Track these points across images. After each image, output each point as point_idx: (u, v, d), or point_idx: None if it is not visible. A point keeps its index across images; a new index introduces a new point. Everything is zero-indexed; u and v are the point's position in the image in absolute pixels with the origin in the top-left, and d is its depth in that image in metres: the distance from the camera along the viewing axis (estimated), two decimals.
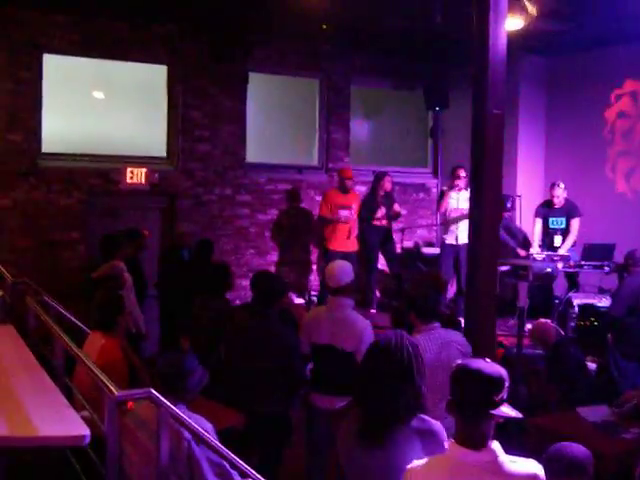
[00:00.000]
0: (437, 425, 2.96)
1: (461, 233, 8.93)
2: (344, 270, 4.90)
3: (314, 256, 10.50)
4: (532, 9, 6.30)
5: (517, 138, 10.16)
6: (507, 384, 2.61)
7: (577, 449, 3.28)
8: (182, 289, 7.43)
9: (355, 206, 9.55)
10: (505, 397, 2.60)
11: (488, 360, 2.70)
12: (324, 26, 9.02)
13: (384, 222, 9.61)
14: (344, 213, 9.42)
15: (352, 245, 9.50)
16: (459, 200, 9.08)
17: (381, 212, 9.49)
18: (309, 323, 4.94)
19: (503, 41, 5.13)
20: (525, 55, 9.62)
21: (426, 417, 2.96)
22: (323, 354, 4.74)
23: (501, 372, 2.63)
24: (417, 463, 2.67)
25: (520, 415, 2.63)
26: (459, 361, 2.74)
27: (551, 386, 5.88)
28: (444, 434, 2.92)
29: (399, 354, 2.92)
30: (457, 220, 9.07)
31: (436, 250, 10.25)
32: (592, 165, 9.94)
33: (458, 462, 2.56)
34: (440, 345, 4.10)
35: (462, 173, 9.02)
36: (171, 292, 8.04)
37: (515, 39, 5.85)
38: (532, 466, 2.60)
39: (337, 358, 4.68)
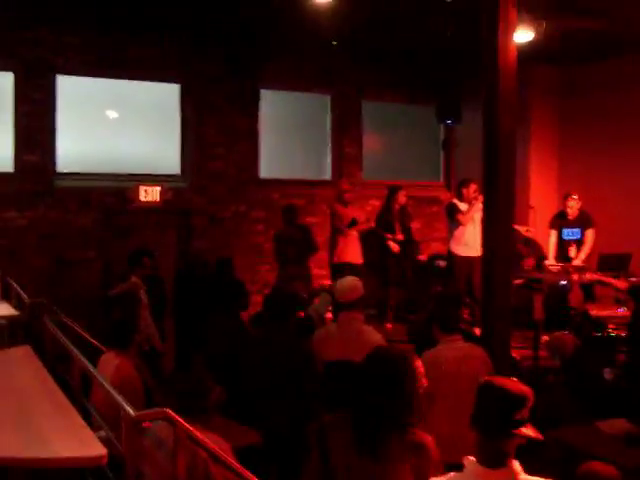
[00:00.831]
0: (428, 440, 2.94)
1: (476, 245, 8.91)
2: (353, 285, 4.91)
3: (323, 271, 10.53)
4: (543, 23, 6.30)
5: (529, 149, 10.14)
6: (530, 404, 2.60)
7: (607, 471, 3.26)
8: (197, 307, 7.45)
9: (359, 217, 9.60)
10: (527, 417, 2.58)
11: (515, 379, 2.69)
12: (334, 42, 9.07)
13: (399, 236, 9.63)
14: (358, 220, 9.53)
15: (359, 257, 9.54)
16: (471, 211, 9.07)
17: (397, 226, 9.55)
18: (319, 341, 4.93)
19: (513, 53, 5.16)
20: (536, 65, 9.60)
21: (418, 432, 2.95)
22: (335, 371, 4.73)
23: (525, 391, 2.61)
24: None
25: (540, 437, 2.61)
26: (485, 377, 2.73)
27: (567, 398, 5.83)
28: (435, 450, 2.90)
29: (389, 368, 2.92)
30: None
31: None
32: (606, 174, 9.90)
33: None
34: (462, 357, 4.13)
35: (473, 187, 9.03)
36: (186, 310, 8.06)
37: (525, 49, 5.85)
38: None
39: (350, 373, 4.67)
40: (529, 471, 2.61)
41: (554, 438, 5.24)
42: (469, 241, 9.07)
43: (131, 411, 3.12)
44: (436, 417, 4.19)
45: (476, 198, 8.96)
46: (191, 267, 8.86)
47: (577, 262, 8.80)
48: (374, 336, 4.81)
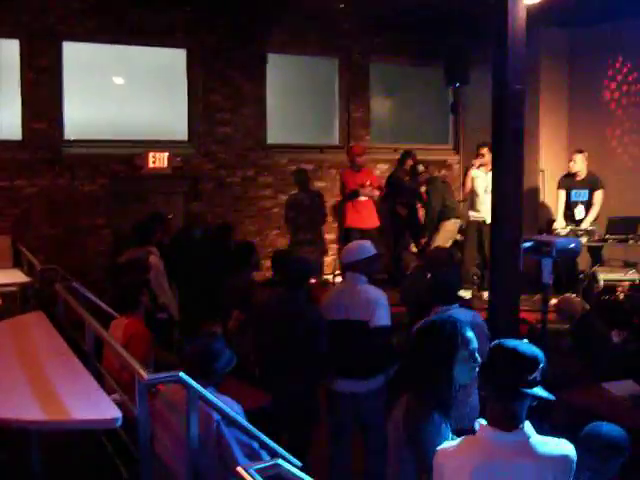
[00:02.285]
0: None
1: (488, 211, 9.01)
2: (358, 248, 4.98)
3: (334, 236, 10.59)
4: None
5: (539, 112, 10.05)
6: (542, 365, 2.61)
7: (614, 429, 3.30)
8: (197, 272, 7.45)
9: (370, 182, 9.63)
10: (539, 378, 2.60)
11: (525, 340, 2.71)
12: (342, 5, 8.97)
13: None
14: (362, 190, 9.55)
15: (371, 222, 9.59)
16: (485, 179, 9.05)
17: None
18: (327, 302, 4.99)
19: (522, 15, 5.10)
20: (545, 28, 9.49)
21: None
22: (340, 330, 4.78)
23: (536, 353, 2.62)
24: (447, 444, 2.68)
25: (552, 397, 2.63)
26: (498, 340, 2.75)
27: (576, 361, 5.87)
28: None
29: (436, 339, 2.94)
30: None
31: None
32: (615, 137, 9.84)
33: (489, 443, 2.56)
34: None
35: (484, 151, 9.04)
36: (183, 275, 8.02)
37: (534, 12, 5.78)
38: (564, 447, 2.58)
39: (352, 331, 4.73)
40: (539, 433, 2.64)
41: (562, 400, 5.29)
42: (480, 206, 9.15)
43: (144, 374, 3.17)
44: None
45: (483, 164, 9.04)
46: (188, 230, 8.78)
47: (585, 225, 8.79)
48: (374, 292, 4.85)
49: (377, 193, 9.70)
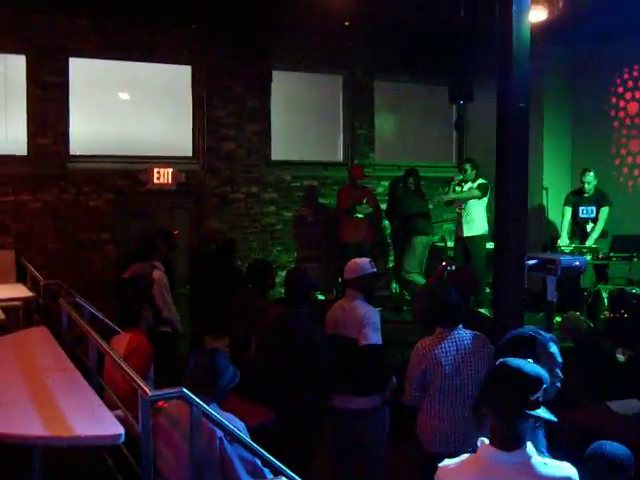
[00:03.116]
0: None
1: (464, 225, 9.22)
2: (356, 265, 5.00)
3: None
4: (560, 2, 6.26)
5: (542, 130, 10.08)
6: (545, 386, 2.60)
7: (617, 448, 3.28)
8: (201, 286, 7.48)
9: (367, 200, 9.73)
10: (541, 399, 2.59)
11: (530, 360, 2.70)
12: (347, 23, 9.02)
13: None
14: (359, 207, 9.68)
15: (367, 238, 9.73)
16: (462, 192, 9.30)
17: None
18: (327, 317, 5.06)
19: (527, 34, 5.10)
20: (548, 45, 9.51)
21: None
22: (332, 346, 4.80)
23: (540, 373, 2.61)
24: (448, 462, 2.67)
25: (554, 418, 2.62)
26: (502, 360, 2.74)
27: (580, 379, 5.84)
28: None
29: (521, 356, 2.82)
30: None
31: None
32: (619, 156, 9.85)
33: (490, 463, 2.55)
34: (462, 351, 4.22)
35: (467, 167, 9.29)
36: (200, 290, 8.08)
37: (538, 30, 5.81)
38: (565, 470, 2.57)
39: (341, 347, 4.77)
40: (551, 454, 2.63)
41: (567, 419, 5.26)
42: (461, 221, 9.34)
43: (148, 390, 3.16)
44: (431, 406, 4.26)
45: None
46: (205, 245, 8.83)
47: (590, 242, 8.80)
48: (365, 308, 4.87)
49: (370, 210, 9.77)
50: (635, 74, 9.56)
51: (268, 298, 6.39)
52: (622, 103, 9.80)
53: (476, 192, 9.12)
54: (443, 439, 4.25)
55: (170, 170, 9.26)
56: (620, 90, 9.80)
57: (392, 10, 8.39)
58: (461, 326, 4.43)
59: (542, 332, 3.14)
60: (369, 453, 4.87)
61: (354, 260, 5.11)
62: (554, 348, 2.97)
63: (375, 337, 4.75)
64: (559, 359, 2.96)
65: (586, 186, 8.97)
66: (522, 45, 5.09)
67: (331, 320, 4.96)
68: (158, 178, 9.20)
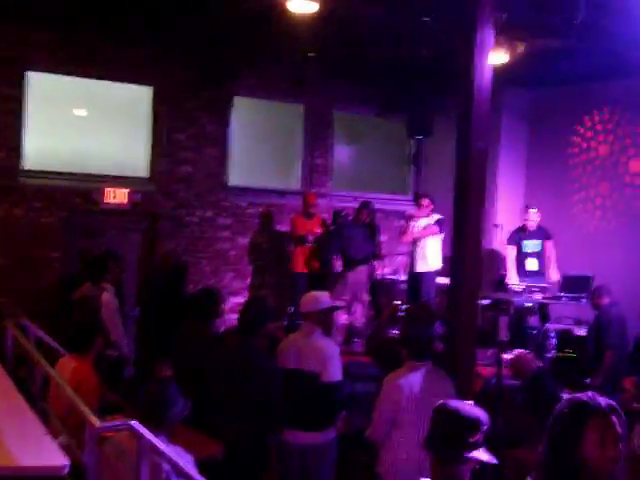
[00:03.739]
0: None
1: (419, 260, 9.21)
2: (314, 298, 4.95)
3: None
4: (520, 46, 6.40)
5: (497, 169, 10.26)
6: (485, 428, 2.61)
7: None
8: (160, 313, 7.40)
9: (319, 230, 9.73)
10: (481, 441, 2.59)
11: (469, 402, 2.70)
12: (311, 54, 9.08)
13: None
14: (309, 237, 9.65)
15: (316, 267, 9.67)
16: (419, 227, 9.27)
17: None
18: (282, 349, 4.97)
19: (488, 77, 5.21)
20: (507, 87, 9.71)
21: None
22: (291, 379, 4.75)
23: (479, 415, 2.62)
24: None
25: (494, 460, 2.62)
26: (441, 401, 2.75)
27: (527, 417, 5.90)
28: None
29: None
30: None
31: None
32: (568, 197, 10.06)
33: None
34: (430, 385, 4.16)
35: (425, 202, 9.25)
36: (150, 314, 7.99)
37: (498, 71, 5.93)
38: None
39: (303, 382, 4.71)
40: None
41: (514, 458, 5.30)
42: (416, 256, 9.32)
43: (95, 421, 3.08)
44: (398, 444, 4.21)
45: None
46: (156, 269, 8.77)
47: (554, 277, 9.03)
48: (329, 346, 4.87)
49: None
50: (596, 118, 9.80)
51: (214, 327, 6.33)
52: (578, 145, 10.01)
53: (436, 229, 9.12)
54: (407, 477, 4.15)
55: (125, 190, 9.14)
56: (577, 134, 10.01)
57: (355, 44, 8.46)
58: (430, 362, 4.36)
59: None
60: None
61: (312, 293, 5.07)
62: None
63: (338, 374, 4.74)
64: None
65: (528, 223, 9.15)
66: (483, 87, 5.20)
67: (287, 353, 4.87)
68: (113, 198, 9.07)
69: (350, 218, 9.83)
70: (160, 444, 3.16)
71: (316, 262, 9.63)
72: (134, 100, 9.68)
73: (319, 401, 4.64)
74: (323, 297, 5.00)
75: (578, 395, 2.58)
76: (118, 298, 7.11)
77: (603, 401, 2.49)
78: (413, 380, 4.21)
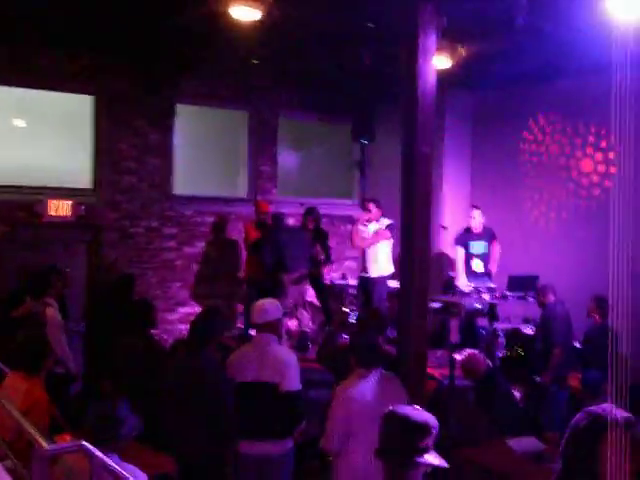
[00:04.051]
0: None
1: (370, 265, 9.20)
2: (267, 307, 4.90)
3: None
4: (461, 50, 6.47)
5: (442, 171, 10.36)
6: (434, 431, 2.61)
7: None
8: (104, 326, 7.27)
9: (255, 235, 9.66)
10: (431, 444, 2.59)
11: (417, 407, 2.70)
12: (254, 61, 9.04)
13: (321, 257, 9.69)
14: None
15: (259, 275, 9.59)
16: (368, 232, 9.27)
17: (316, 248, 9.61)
18: (234, 363, 4.87)
19: (432, 81, 5.25)
20: (450, 90, 9.81)
21: None
22: (250, 393, 4.69)
23: (428, 420, 2.63)
24: None
25: (445, 464, 2.62)
26: (390, 407, 2.74)
27: (480, 417, 5.95)
28: None
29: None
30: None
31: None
32: (514, 197, 10.21)
33: None
34: (380, 392, 4.14)
35: (371, 207, 9.26)
36: (95, 330, 7.84)
37: (441, 75, 5.98)
38: None
39: (262, 393, 4.65)
40: None
41: (469, 459, 5.34)
42: (366, 262, 9.32)
43: (44, 444, 2.98)
44: (353, 451, 4.18)
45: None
46: (102, 284, 8.62)
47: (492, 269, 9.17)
48: (287, 355, 4.86)
49: None
50: (541, 119, 9.94)
51: (150, 339, 6.23)
52: (526, 146, 10.16)
53: (388, 234, 9.12)
54: None
55: (69, 202, 8.93)
56: (525, 133, 10.15)
57: (298, 50, 8.45)
58: (380, 368, 4.36)
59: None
60: None
61: (263, 302, 4.99)
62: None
63: (297, 382, 4.72)
64: None
65: (472, 222, 9.26)
66: (427, 91, 5.23)
67: (242, 365, 4.79)
68: (56, 210, 8.86)
69: (286, 222, 9.76)
70: (112, 464, 3.07)
71: (260, 269, 9.58)
72: (75, 110, 9.49)
73: (278, 411, 4.59)
74: (274, 306, 4.95)
75: (594, 408, 2.57)
76: (62, 313, 6.95)
77: (620, 414, 2.44)
78: (364, 388, 4.21)
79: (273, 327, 4.84)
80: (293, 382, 4.69)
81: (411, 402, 2.83)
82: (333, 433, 4.25)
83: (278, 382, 4.64)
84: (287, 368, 4.71)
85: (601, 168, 9.20)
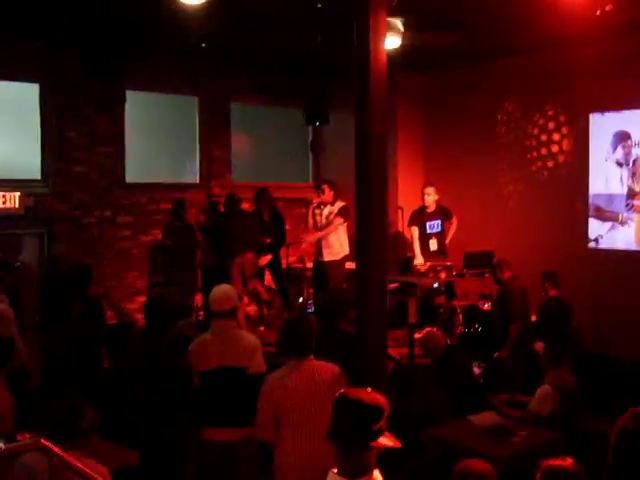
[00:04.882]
0: None
1: (324, 249, 9.23)
2: (227, 295, 4.84)
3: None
4: (400, 26, 6.44)
5: (396, 152, 10.39)
6: (386, 413, 2.63)
7: (480, 466, 3.35)
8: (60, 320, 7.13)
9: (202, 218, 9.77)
10: (384, 427, 2.61)
11: (369, 389, 2.71)
12: (204, 45, 8.91)
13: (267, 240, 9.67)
14: None
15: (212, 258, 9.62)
16: (322, 215, 9.28)
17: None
18: (195, 351, 4.79)
19: (383, 61, 5.21)
20: (402, 71, 9.82)
21: None
22: (213, 380, 4.65)
23: (380, 402, 2.64)
24: None
25: (398, 444, 2.64)
26: (341, 390, 2.74)
27: (441, 395, 6.02)
28: None
29: None
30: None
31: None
32: (467, 175, 10.30)
33: None
34: (311, 380, 4.07)
35: (325, 189, 9.27)
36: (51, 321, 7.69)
37: (393, 56, 5.98)
38: None
39: (229, 379, 4.62)
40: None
41: (431, 437, 5.40)
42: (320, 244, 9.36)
43: (1, 444, 2.92)
44: (287, 442, 4.12)
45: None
46: (55, 274, 8.44)
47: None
48: (250, 338, 4.85)
49: None
50: (495, 98, 10.01)
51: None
52: (478, 124, 10.23)
53: (340, 221, 9.13)
54: (300, 477, 4.01)
55: (17, 194, 8.72)
56: (478, 112, 10.21)
57: (247, 33, 8.36)
58: (312, 356, 4.22)
59: None
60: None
61: (223, 290, 4.90)
62: None
63: (264, 365, 4.73)
64: None
65: (427, 199, 9.31)
66: (379, 72, 5.19)
67: (206, 353, 4.70)
68: (4, 202, 8.65)
69: (235, 205, 9.67)
70: (72, 460, 3.02)
71: (210, 254, 9.54)
72: (21, 98, 9.26)
73: (244, 396, 4.57)
74: (232, 292, 4.91)
75: None
76: (14, 307, 6.80)
77: None
78: (293, 377, 4.09)
79: (232, 313, 4.81)
80: (260, 365, 4.70)
81: (365, 385, 2.81)
82: (263, 422, 4.16)
83: (245, 366, 4.62)
84: (253, 351, 4.71)
85: (554, 146, 9.35)
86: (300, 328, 4.25)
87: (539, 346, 6.02)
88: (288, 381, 4.09)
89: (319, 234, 9.26)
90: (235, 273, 9.06)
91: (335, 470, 2.61)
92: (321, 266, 9.30)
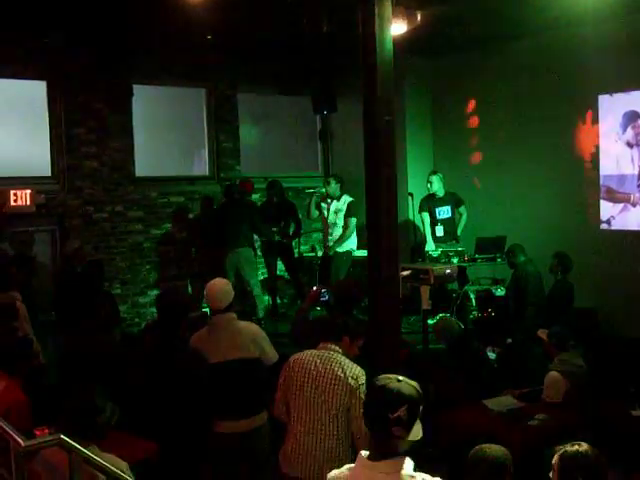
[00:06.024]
0: None
1: (332, 242, 9.19)
2: (225, 291, 4.84)
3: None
4: (417, 15, 6.43)
5: (405, 138, 10.34)
6: (406, 406, 2.66)
7: (497, 450, 3.36)
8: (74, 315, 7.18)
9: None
10: (403, 416, 2.65)
11: (401, 378, 2.74)
12: (209, 36, 8.90)
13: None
14: None
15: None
16: (329, 210, 9.20)
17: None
18: (197, 347, 4.78)
19: (390, 48, 5.19)
20: (409, 56, 9.78)
21: None
22: (224, 372, 4.65)
23: (402, 392, 2.69)
24: (338, 471, 2.85)
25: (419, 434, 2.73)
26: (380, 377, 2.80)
27: (455, 380, 6.02)
28: None
29: None
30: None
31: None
32: (477, 160, 10.26)
33: (360, 472, 2.73)
34: (315, 365, 4.07)
35: (332, 183, 9.15)
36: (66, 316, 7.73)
37: (399, 42, 5.95)
38: None
39: (241, 370, 4.65)
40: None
41: (446, 420, 5.41)
42: (326, 236, 9.34)
43: (21, 441, 2.94)
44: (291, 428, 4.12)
45: None
46: (69, 271, 8.47)
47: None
48: (251, 327, 4.92)
49: None
50: (502, 83, 9.95)
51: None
52: (485, 110, 10.18)
53: (353, 221, 9.03)
54: (296, 462, 3.99)
55: (28, 191, 8.76)
56: (485, 98, 10.16)
57: (253, 23, 8.33)
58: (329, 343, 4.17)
59: None
60: (259, 469, 4.78)
61: (218, 287, 4.86)
62: None
63: (276, 354, 4.83)
64: None
65: (434, 186, 9.27)
66: (385, 59, 5.18)
67: (209, 347, 4.71)
68: (15, 200, 8.68)
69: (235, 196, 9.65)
70: (92, 455, 3.05)
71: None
72: (29, 96, 9.26)
73: (255, 385, 4.60)
74: (228, 286, 4.90)
75: None
76: (28, 303, 6.83)
77: None
78: (304, 360, 4.09)
79: (231, 307, 4.82)
80: (273, 354, 4.80)
81: (391, 372, 2.86)
82: (277, 399, 4.20)
83: (258, 356, 4.68)
84: (263, 341, 4.79)
85: (563, 128, 9.27)
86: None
87: (542, 332, 6.00)
88: (296, 362, 4.11)
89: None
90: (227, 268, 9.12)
91: (366, 452, 2.75)
92: (326, 257, 9.27)
